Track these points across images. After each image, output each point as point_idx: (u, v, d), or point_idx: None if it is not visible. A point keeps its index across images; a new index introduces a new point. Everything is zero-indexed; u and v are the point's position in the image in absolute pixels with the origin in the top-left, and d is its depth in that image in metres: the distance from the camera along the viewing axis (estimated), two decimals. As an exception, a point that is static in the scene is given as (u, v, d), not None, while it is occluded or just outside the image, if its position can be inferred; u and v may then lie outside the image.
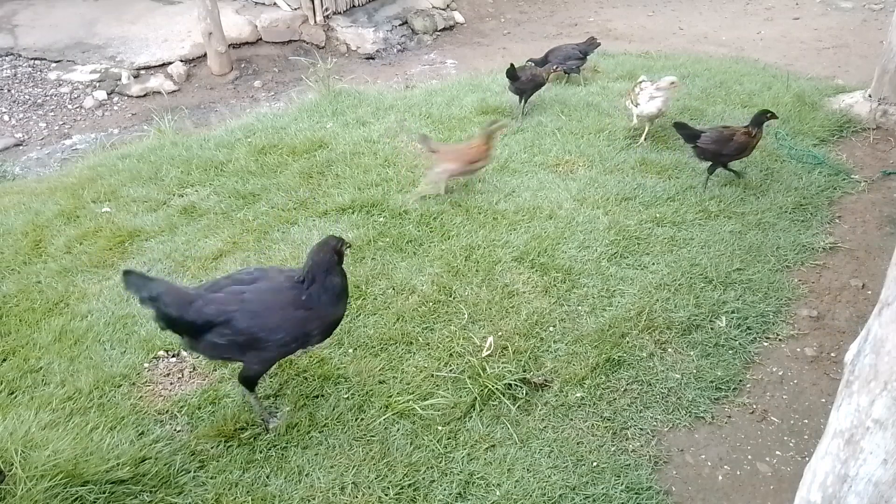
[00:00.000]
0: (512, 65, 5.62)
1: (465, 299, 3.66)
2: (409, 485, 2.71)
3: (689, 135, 4.58)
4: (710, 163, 4.62)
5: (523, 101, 5.79)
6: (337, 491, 2.68)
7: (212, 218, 4.51)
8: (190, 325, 2.64)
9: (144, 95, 8.80)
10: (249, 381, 2.83)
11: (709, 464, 2.89)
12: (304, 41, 10.00)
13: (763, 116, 4.50)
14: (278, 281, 2.76)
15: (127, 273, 2.67)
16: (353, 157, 5.12)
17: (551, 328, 3.50)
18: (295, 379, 3.19)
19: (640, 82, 5.24)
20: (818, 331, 3.58)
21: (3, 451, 2.57)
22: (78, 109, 8.59)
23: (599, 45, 6.72)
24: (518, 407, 3.05)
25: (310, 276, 2.71)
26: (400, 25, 10.36)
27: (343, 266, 2.84)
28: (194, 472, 2.75)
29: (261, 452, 2.84)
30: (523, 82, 5.71)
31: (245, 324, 2.62)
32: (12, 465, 2.51)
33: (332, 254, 2.77)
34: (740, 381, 3.26)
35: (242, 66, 9.51)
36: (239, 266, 3.94)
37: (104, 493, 2.57)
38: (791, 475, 2.81)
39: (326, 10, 9.91)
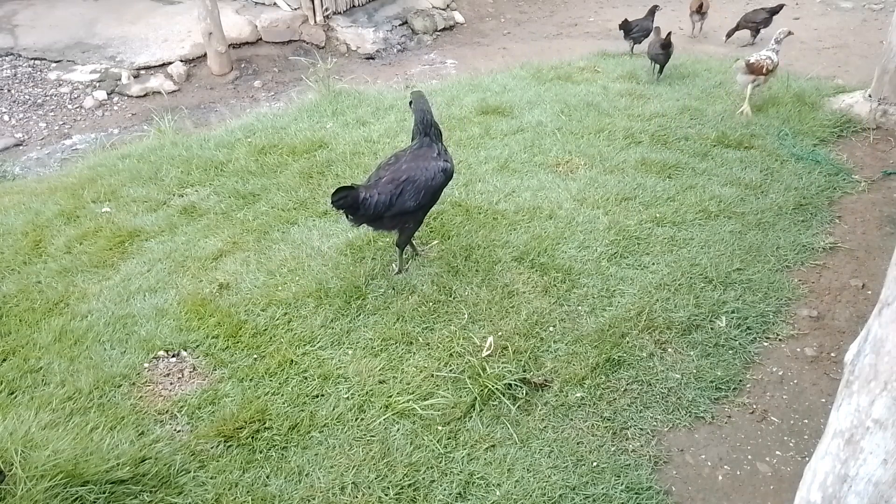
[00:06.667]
0: (627, 19, 7.54)
1: (464, 299, 3.66)
2: (409, 485, 2.71)
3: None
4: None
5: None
6: (337, 491, 2.68)
7: (212, 218, 4.51)
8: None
9: (144, 95, 8.81)
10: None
11: (709, 464, 2.89)
12: (304, 41, 10.01)
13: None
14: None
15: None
16: (353, 157, 5.12)
17: (551, 328, 3.50)
18: (295, 379, 3.19)
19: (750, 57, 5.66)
20: (818, 331, 3.58)
21: (3, 451, 2.57)
22: (78, 109, 8.60)
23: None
24: (518, 407, 3.05)
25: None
26: (400, 25, 10.37)
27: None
28: (194, 472, 2.75)
29: (261, 452, 2.84)
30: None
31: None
32: (12, 465, 2.51)
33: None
34: (740, 381, 3.26)
35: (242, 66, 9.51)
36: (239, 266, 3.94)
37: (104, 493, 2.57)
38: (791, 475, 2.81)
39: (326, 10, 9.92)
